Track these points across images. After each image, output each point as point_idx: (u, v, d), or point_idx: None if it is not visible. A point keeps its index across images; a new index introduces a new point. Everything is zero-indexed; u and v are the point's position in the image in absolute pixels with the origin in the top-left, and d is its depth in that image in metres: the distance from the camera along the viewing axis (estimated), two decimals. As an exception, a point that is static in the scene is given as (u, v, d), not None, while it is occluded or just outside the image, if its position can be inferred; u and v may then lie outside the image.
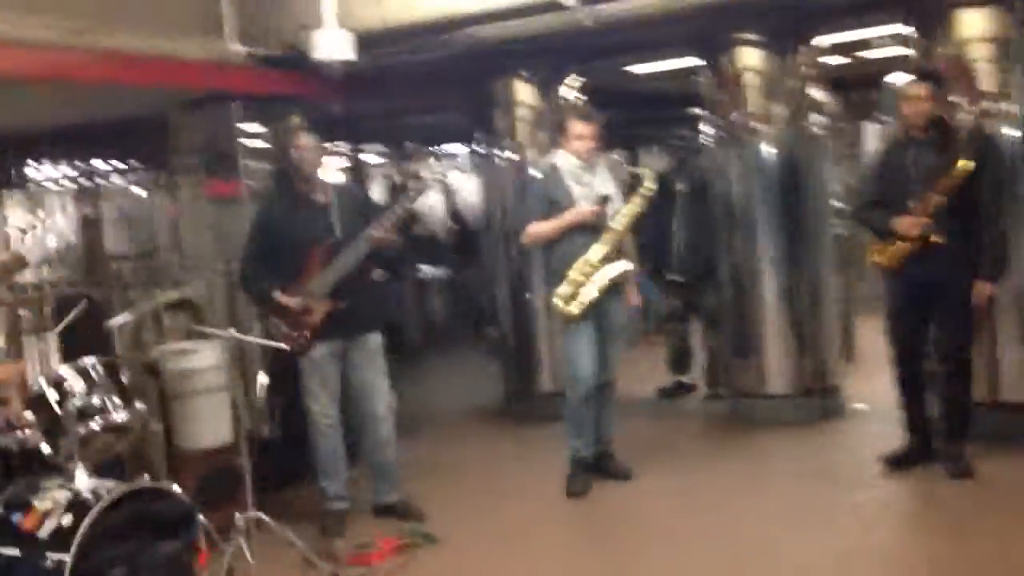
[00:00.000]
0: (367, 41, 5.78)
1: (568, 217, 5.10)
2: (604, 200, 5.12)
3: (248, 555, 4.36)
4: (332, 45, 5.53)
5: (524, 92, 7.01)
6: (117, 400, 3.96)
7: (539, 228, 5.22)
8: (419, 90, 7.39)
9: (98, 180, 8.96)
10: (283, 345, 4.71)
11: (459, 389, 8.47)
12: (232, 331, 4.50)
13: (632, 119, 9.36)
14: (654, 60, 7.83)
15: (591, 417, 5.36)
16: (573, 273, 5.13)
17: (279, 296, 4.83)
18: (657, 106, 9.45)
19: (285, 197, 5.02)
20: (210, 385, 4.84)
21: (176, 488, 3.90)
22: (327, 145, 4.99)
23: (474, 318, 9.29)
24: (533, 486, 5.56)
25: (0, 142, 7.94)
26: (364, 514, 5.19)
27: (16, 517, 3.67)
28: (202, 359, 4.90)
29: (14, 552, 3.61)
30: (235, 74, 6.10)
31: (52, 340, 4.63)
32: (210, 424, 4.94)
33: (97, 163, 8.90)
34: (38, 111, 6.86)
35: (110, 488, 3.68)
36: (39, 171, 9.09)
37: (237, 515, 4.36)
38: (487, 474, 5.94)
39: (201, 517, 3.90)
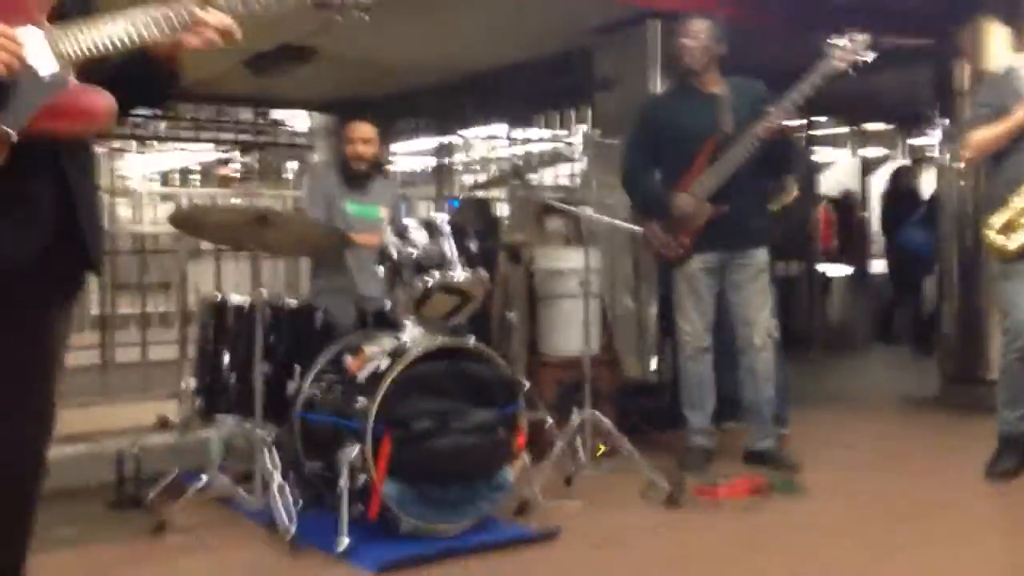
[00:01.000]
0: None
1: (1020, 114, 4.02)
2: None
3: (581, 455, 3.98)
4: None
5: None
6: (459, 261, 3.73)
7: (985, 133, 4.17)
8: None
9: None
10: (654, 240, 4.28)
11: (877, 380, 7.42)
12: (588, 210, 4.13)
13: None
14: None
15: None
16: (1019, 199, 4.05)
17: (664, 193, 4.37)
18: None
19: (676, 86, 4.55)
20: (579, 290, 4.47)
21: (499, 359, 3.59)
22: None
23: (882, 313, 8.48)
24: (950, 469, 4.52)
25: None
26: (735, 461, 4.53)
27: (347, 359, 3.63)
28: (572, 261, 4.57)
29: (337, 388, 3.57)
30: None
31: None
32: (574, 332, 4.57)
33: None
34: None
35: (431, 340, 3.48)
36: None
37: (574, 412, 4.00)
38: (894, 455, 4.95)
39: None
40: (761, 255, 4.44)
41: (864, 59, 4.05)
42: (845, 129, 10.49)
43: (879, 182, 10.43)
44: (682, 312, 4.52)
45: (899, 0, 6.17)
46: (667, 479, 3.87)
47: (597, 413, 4.04)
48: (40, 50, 1.76)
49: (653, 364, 5.53)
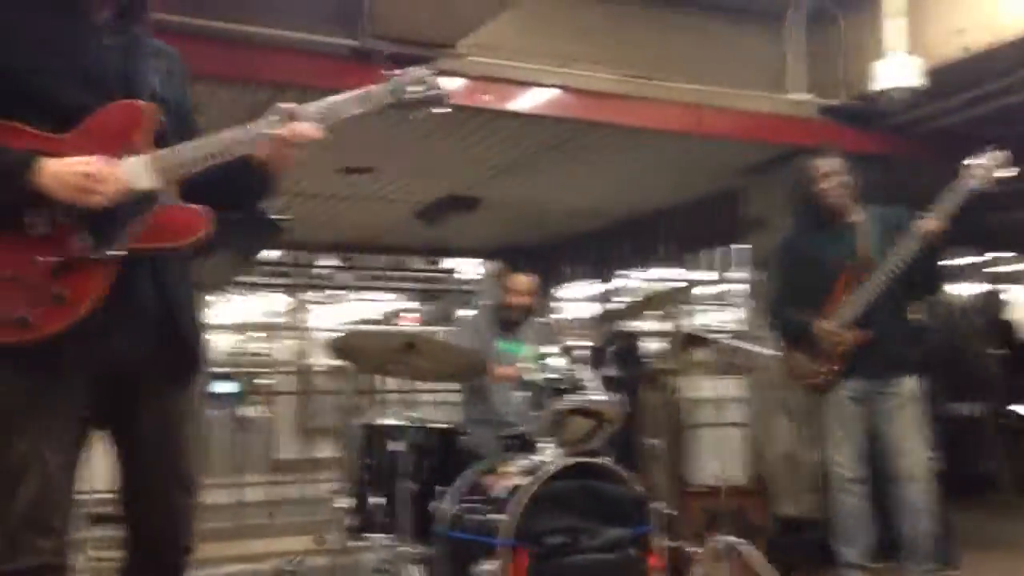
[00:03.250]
0: (944, 76, 5.15)
1: None
2: None
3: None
4: (896, 72, 5.01)
5: None
6: (596, 386, 3.87)
7: None
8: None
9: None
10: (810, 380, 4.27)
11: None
12: (733, 340, 4.18)
13: None
14: None
15: None
16: None
17: (807, 322, 4.38)
18: None
19: (810, 221, 4.61)
20: (725, 419, 4.50)
21: (633, 479, 3.66)
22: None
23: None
24: None
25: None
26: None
27: (486, 478, 3.79)
28: (716, 390, 4.62)
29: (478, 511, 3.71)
30: (804, 128, 5.89)
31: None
32: (718, 460, 4.58)
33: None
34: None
35: (565, 458, 3.60)
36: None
37: (715, 539, 3.97)
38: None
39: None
40: (910, 382, 4.33)
41: (1002, 176, 4.02)
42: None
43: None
44: (832, 442, 4.43)
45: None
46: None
47: (739, 541, 3.99)
48: (142, 172, 2.01)
49: (810, 499, 5.39)
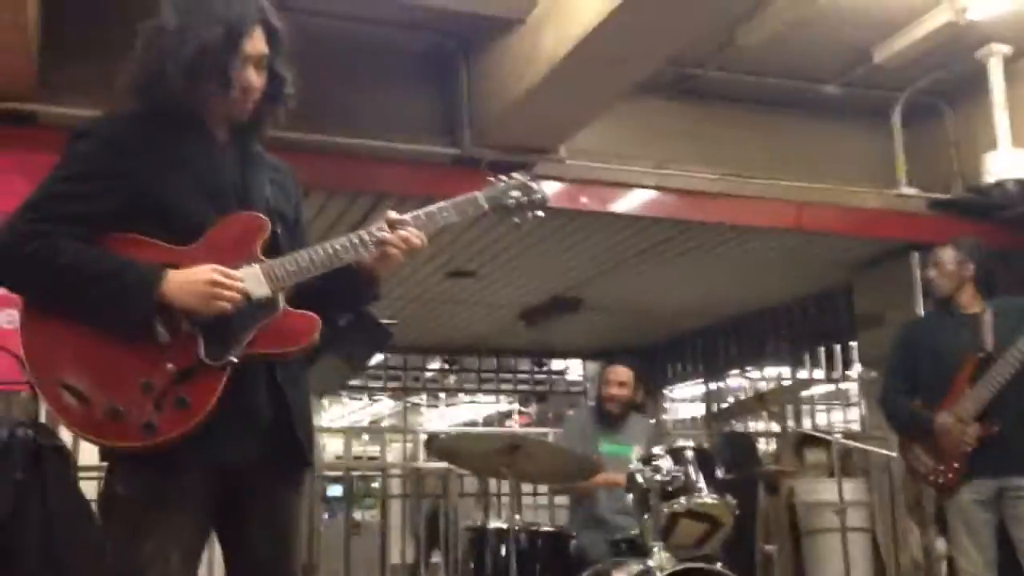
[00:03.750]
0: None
1: None
2: None
3: None
4: (1005, 165, 4.92)
5: None
6: (706, 487, 3.78)
7: None
8: None
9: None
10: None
11: None
12: (848, 439, 4.05)
13: None
14: None
15: None
16: None
17: (927, 415, 4.22)
18: None
19: (935, 310, 4.49)
20: (846, 523, 4.33)
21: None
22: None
23: None
24: None
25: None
26: None
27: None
28: (834, 493, 4.46)
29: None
30: (913, 223, 5.79)
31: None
32: (840, 568, 4.39)
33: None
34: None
35: (676, 563, 3.50)
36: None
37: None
38: None
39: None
40: (1041, 483, 4.11)
41: None
42: None
43: None
44: (958, 548, 4.20)
45: None
46: None
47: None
48: (258, 281, 2.09)
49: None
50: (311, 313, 2.14)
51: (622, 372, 4.78)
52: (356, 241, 2.19)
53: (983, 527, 4.14)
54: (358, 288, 2.29)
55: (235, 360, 2.06)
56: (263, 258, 2.14)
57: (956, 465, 4.15)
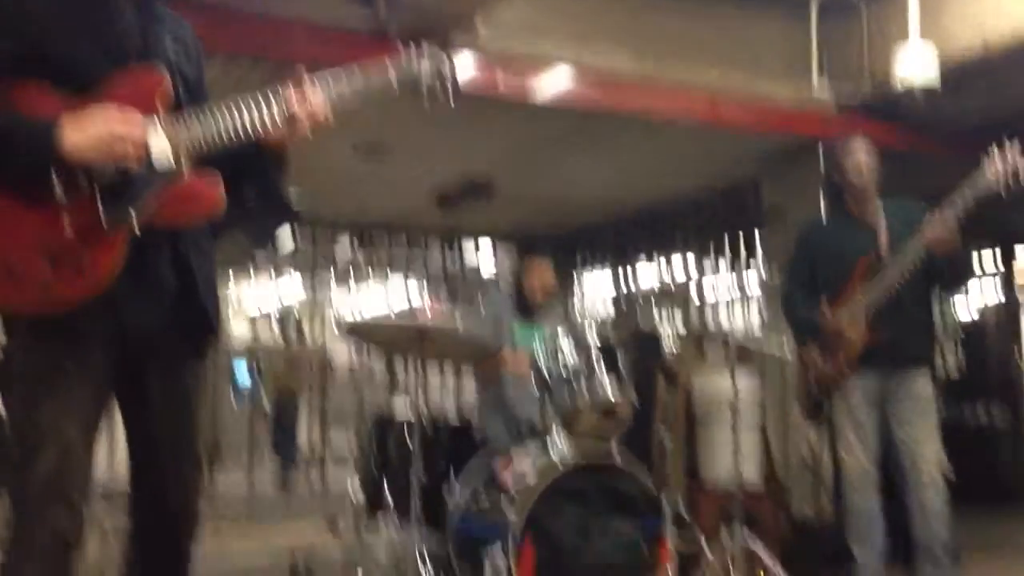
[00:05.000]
0: (964, 71, 5.10)
1: None
2: None
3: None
4: (916, 63, 4.95)
5: None
6: (610, 379, 3.87)
7: None
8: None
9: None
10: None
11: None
12: (747, 336, 4.17)
13: None
14: None
15: None
16: None
17: (815, 315, 4.36)
18: None
19: (832, 212, 4.57)
20: (740, 418, 4.47)
21: (645, 475, 3.66)
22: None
23: None
24: None
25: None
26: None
27: (498, 473, 3.81)
28: (731, 386, 4.59)
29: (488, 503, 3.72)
30: (824, 121, 5.85)
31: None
32: (731, 459, 4.56)
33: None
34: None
35: (576, 452, 3.61)
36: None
37: (724, 535, 3.98)
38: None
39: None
40: (924, 382, 4.30)
41: (1016, 173, 3.96)
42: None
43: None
44: (844, 445, 4.38)
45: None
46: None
47: (749, 539, 3.99)
48: (159, 143, 2.02)
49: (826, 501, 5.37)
50: (215, 179, 2.08)
51: (544, 264, 4.81)
52: (262, 105, 2.11)
53: (868, 422, 4.33)
54: (264, 161, 2.22)
55: (135, 222, 1.99)
56: (164, 116, 2.06)
57: (846, 364, 4.32)
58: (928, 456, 4.25)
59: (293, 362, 7.53)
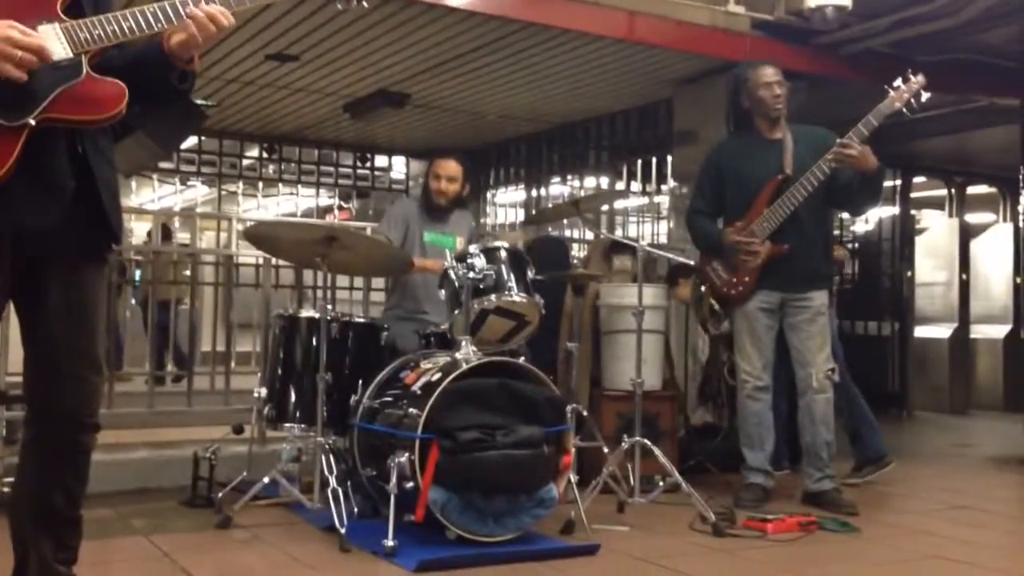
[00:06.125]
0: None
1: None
2: None
3: (632, 480, 4.07)
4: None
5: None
6: (518, 287, 3.92)
7: None
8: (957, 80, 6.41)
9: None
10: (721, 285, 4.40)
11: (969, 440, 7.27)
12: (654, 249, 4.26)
13: None
14: None
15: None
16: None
17: (719, 232, 4.49)
18: None
19: (740, 134, 4.66)
20: (643, 326, 4.58)
21: (550, 383, 3.74)
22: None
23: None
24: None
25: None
26: (793, 502, 4.54)
27: (404, 373, 3.84)
28: (634, 297, 4.69)
29: (393, 405, 3.77)
30: (738, 41, 5.90)
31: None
32: (633, 366, 4.68)
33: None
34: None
35: (481, 356, 3.66)
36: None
37: (624, 438, 4.11)
38: (963, 505, 4.83)
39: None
40: (820, 297, 4.49)
41: (918, 97, 4.14)
42: (943, 192, 10.33)
43: (983, 247, 10.21)
44: (740, 351, 4.58)
45: (986, 58, 6.20)
46: (717, 511, 3.92)
47: (646, 441, 4.13)
48: (57, 42, 1.98)
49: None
50: (117, 81, 2.04)
51: (452, 166, 4.78)
52: (165, 7, 2.08)
53: (765, 333, 4.52)
54: (170, 68, 2.16)
55: (32, 122, 1.96)
56: (64, 17, 2.01)
57: (747, 279, 4.47)
58: (817, 363, 4.47)
59: (172, 267, 7.40)
